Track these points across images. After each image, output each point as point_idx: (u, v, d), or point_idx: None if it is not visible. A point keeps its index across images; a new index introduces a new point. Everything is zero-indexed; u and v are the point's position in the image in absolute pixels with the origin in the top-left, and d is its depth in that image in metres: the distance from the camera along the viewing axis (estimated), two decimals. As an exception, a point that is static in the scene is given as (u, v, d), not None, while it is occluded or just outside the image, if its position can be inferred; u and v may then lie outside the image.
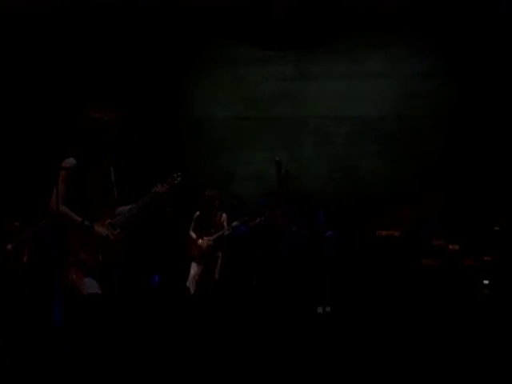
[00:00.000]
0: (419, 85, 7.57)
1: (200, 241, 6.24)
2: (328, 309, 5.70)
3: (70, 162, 3.51)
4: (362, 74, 7.73)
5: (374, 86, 7.67)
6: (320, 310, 5.70)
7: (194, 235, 6.32)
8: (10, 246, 5.83)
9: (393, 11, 7.28)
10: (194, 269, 6.21)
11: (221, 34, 7.91)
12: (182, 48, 8.06)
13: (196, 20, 7.70)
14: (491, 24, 7.10)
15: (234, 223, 6.29)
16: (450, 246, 5.91)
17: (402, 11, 7.26)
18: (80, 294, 3.47)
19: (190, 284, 6.15)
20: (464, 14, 7.08)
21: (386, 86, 7.65)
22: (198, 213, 6.37)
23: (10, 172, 7.53)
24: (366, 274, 6.12)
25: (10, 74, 7.72)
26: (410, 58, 7.64)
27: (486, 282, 5.58)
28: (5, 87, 7.72)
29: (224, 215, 6.34)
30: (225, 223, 6.31)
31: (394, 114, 7.61)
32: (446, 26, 7.29)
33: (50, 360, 3.82)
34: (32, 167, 7.52)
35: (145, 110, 8.06)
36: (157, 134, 8.06)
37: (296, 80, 7.92)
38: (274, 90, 7.95)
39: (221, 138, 8.05)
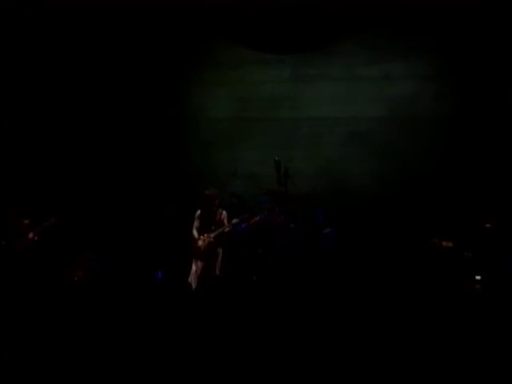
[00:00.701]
0: (417, 87, 7.63)
1: (201, 238, 6.37)
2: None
3: None
4: (359, 77, 7.78)
5: (371, 88, 7.73)
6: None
7: (195, 233, 6.43)
8: (18, 243, 6.02)
9: (391, 13, 7.36)
10: (195, 265, 6.31)
11: (220, 35, 8.03)
12: (181, 49, 8.16)
13: (196, 21, 7.83)
14: (491, 24, 7.15)
15: (234, 220, 6.41)
16: (444, 243, 6.03)
17: (401, 12, 7.33)
18: (83, 290, 3.64)
19: (192, 280, 6.25)
20: (464, 14, 7.14)
21: (383, 88, 7.72)
22: (199, 211, 6.48)
23: (18, 170, 7.69)
24: (364, 272, 6.24)
25: (10, 73, 7.90)
26: (408, 59, 7.66)
27: (477, 277, 5.69)
28: (5, 87, 7.88)
29: (224, 213, 6.44)
30: (225, 220, 6.42)
31: (391, 115, 7.67)
32: (446, 26, 7.34)
33: (53, 355, 4.00)
34: (40, 166, 7.69)
35: (144, 109, 8.19)
36: (156, 133, 8.17)
37: (293, 82, 7.99)
38: (271, 91, 8.03)
39: (219, 137, 8.15)
